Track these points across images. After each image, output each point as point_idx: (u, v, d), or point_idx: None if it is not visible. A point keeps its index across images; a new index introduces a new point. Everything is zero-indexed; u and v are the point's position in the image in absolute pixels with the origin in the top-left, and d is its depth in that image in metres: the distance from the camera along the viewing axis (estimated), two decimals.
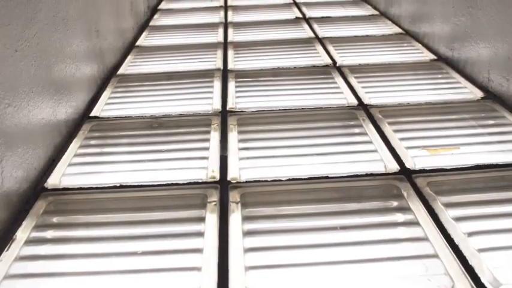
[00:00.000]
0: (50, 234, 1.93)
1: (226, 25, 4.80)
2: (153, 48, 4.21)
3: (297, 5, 5.52)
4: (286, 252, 1.78)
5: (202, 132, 2.66)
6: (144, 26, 4.91)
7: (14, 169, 2.04)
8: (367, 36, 4.27)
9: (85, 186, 2.20)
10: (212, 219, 1.95)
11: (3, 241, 1.86)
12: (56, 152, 2.49)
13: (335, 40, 4.16)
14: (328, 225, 1.91)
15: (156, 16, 5.35)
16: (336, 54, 3.81)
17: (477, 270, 1.63)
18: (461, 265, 1.66)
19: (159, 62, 3.84)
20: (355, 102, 2.94)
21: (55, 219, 2.01)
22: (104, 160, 2.45)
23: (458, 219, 1.90)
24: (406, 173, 2.21)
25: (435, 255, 1.72)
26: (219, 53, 3.95)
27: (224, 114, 2.85)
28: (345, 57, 3.73)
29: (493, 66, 2.99)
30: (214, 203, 2.05)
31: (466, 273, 1.62)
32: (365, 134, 2.58)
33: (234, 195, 2.09)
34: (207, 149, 2.48)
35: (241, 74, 3.46)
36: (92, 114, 2.92)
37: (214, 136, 2.60)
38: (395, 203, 2.03)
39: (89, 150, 2.54)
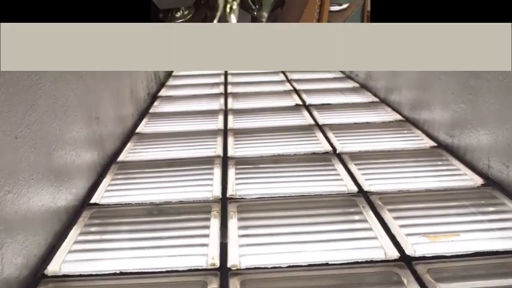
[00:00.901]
0: None
1: (226, 112, 5.01)
2: (153, 135, 4.38)
3: (297, 92, 5.78)
4: None
5: (202, 219, 2.79)
6: (144, 113, 5.11)
7: (14, 256, 2.13)
8: (367, 123, 4.46)
9: (85, 273, 2.31)
10: None
11: None
12: (56, 239, 2.60)
13: (335, 127, 4.35)
14: None
15: (156, 103, 5.56)
16: (335, 141, 3.99)
17: None
18: None
19: (159, 148, 4.01)
20: (355, 189, 3.10)
21: None
22: (104, 247, 2.56)
23: None
24: (406, 260, 2.32)
25: None
26: (219, 139, 4.13)
27: (224, 201, 2.99)
28: (345, 144, 3.91)
29: (493, 153, 3.14)
30: None
31: None
32: (365, 221, 2.72)
33: (234, 283, 2.20)
34: (207, 236, 2.61)
35: (241, 161, 3.62)
36: (92, 201, 3.06)
37: (214, 223, 2.73)
38: None
39: (89, 237, 2.67)
